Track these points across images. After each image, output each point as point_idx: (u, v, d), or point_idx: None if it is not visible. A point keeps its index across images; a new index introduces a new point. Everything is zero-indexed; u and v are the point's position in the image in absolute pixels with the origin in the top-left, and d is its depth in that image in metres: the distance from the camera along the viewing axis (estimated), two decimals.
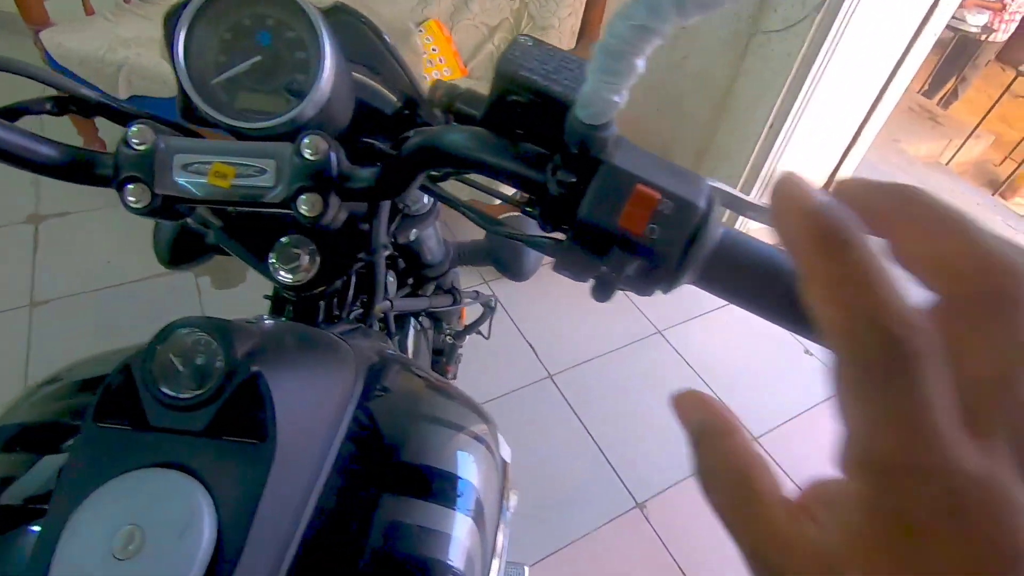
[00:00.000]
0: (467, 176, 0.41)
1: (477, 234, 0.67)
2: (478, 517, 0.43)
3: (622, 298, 1.94)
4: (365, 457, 0.42)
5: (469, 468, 0.45)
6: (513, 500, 0.49)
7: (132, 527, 0.31)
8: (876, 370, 0.13)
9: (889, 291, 0.13)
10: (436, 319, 0.99)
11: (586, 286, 0.33)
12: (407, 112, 0.48)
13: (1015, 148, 3.73)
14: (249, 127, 0.39)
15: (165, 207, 0.37)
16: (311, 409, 0.39)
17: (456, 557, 0.40)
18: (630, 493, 1.45)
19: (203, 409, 0.33)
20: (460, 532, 0.41)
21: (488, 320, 0.95)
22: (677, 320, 1.90)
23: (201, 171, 0.36)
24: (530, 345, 1.73)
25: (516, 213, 0.38)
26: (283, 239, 0.48)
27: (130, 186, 0.35)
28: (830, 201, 0.15)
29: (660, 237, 0.27)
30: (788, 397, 1.75)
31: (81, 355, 0.48)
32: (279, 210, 0.40)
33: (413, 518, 0.40)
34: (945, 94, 4.23)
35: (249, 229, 0.49)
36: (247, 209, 0.45)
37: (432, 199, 0.53)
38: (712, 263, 0.28)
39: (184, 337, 0.35)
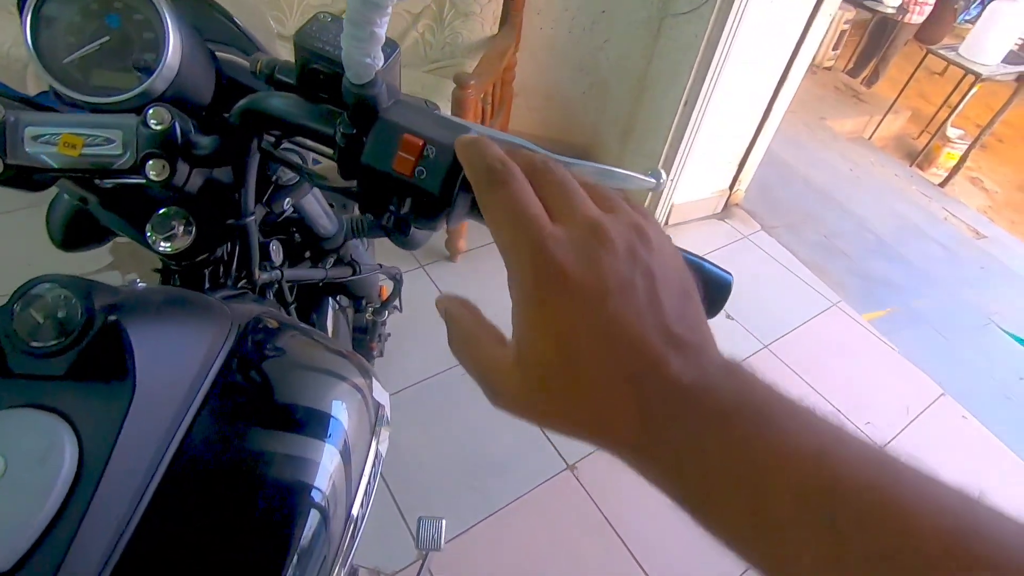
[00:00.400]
0: (303, 143, 0.45)
1: None
2: (343, 449, 0.48)
3: None
4: (233, 399, 0.46)
5: (336, 406, 0.50)
6: (384, 436, 0.55)
7: None
8: (493, 185, 0.25)
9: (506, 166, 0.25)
10: (356, 297, 1.03)
11: None
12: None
13: (930, 122, 3.96)
14: (101, 102, 0.43)
15: (20, 177, 0.41)
16: (174, 354, 0.43)
17: (320, 481, 0.45)
18: (560, 455, 1.53)
19: (63, 355, 0.38)
20: (324, 460, 0.46)
21: (398, 294, 0.99)
22: None
23: (52, 142, 0.40)
24: None
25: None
26: (159, 212, 0.51)
27: None
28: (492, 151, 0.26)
29: (427, 177, 0.32)
30: None
31: None
32: (130, 177, 0.44)
33: (277, 447, 0.45)
34: (868, 75, 4.45)
35: (126, 203, 0.52)
36: (110, 181, 0.49)
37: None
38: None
39: (45, 292, 0.39)
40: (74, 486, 0.35)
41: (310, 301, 0.91)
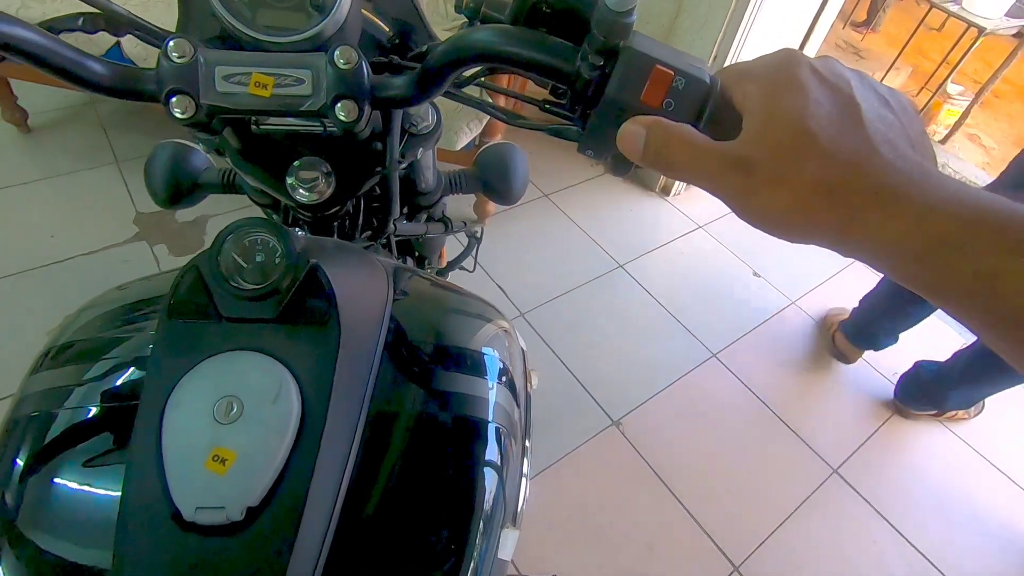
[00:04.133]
0: (488, 81, 0.44)
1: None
2: (511, 387, 0.49)
3: (582, 237, 2.02)
4: (407, 342, 0.46)
5: (495, 348, 0.50)
6: (535, 380, 0.55)
7: (230, 398, 0.35)
8: None
9: None
10: (421, 257, 1.02)
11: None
12: (398, 41, 0.51)
13: (929, 79, 3.97)
14: (276, 41, 0.41)
15: (209, 118, 0.39)
16: (361, 302, 0.43)
17: (500, 420, 0.46)
18: (606, 413, 1.56)
19: (271, 299, 0.37)
20: (499, 398, 0.47)
21: (474, 252, 0.99)
22: (636, 254, 1.99)
23: (242, 82, 0.38)
24: (500, 287, 1.78)
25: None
26: (298, 161, 0.50)
27: (175, 98, 0.37)
28: None
29: (675, 108, 0.32)
30: (740, 315, 1.89)
31: (38, 333, 0.50)
32: (313, 122, 0.43)
33: (459, 388, 0.45)
34: (868, 19, 4.45)
35: (265, 152, 0.51)
36: (276, 127, 0.48)
37: (436, 117, 0.56)
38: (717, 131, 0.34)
39: (242, 237, 0.38)
40: (301, 428, 0.35)
41: (401, 259, 0.90)
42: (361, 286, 0.44)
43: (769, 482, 1.51)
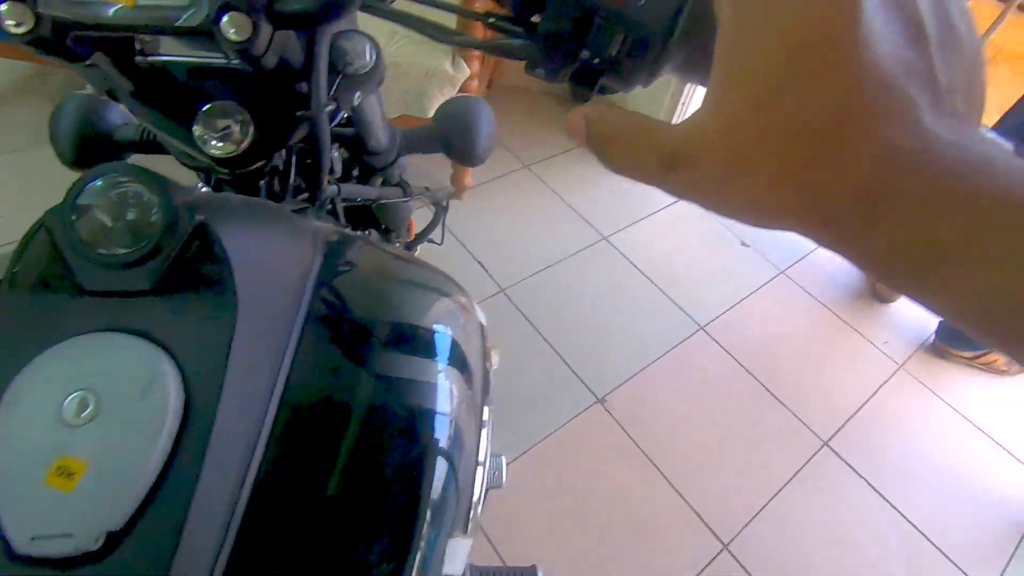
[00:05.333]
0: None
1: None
2: (463, 368, 0.42)
3: (565, 209, 1.94)
4: (337, 318, 0.39)
5: (448, 325, 0.43)
6: (495, 358, 0.48)
7: (83, 392, 0.27)
8: None
9: None
10: (386, 229, 0.94)
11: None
12: None
13: None
14: None
15: (56, 37, 0.31)
16: (271, 269, 0.35)
17: (446, 406, 0.38)
18: (590, 390, 1.50)
19: (145, 265, 0.29)
20: (448, 382, 0.39)
21: (441, 222, 0.91)
22: (621, 225, 1.92)
23: None
24: (479, 263, 1.70)
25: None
26: (208, 106, 0.42)
27: (5, 5, 0.29)
28: None
29: (646, 4, 0.24)
30: (728, 287, 1.83)
31: None
32: (213, 51, 0.34)
33: (396, 372, 0.38)
34: None
35: (169, 95, 0.42)
36: (170, 59, 0.39)
37: (375, 55, 0.47)
38: (696, 40, 0.26)
39: (108, 190, 0.30)
40: (183, 426, 0.28)
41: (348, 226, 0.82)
42: (273, 251, 0.36)
43: (759, 457, 1.47)
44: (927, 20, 0.17)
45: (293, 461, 0.32)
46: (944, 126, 0.16)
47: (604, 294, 1.73)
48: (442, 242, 0.94)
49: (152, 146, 0.61)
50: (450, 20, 0.93)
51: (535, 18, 0.28)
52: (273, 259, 0.36)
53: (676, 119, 1.65)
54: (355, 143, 0.63)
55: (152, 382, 0.28)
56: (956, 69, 0.17)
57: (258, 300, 0.32)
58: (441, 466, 0.37)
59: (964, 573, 1.35)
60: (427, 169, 1.84)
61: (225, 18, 0.31)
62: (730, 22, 0.18)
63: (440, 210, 0.87)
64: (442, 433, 0.37)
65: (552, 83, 0.29)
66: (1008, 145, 0.16)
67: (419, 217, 1.05)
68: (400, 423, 0.36)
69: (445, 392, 0.39)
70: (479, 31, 1.16)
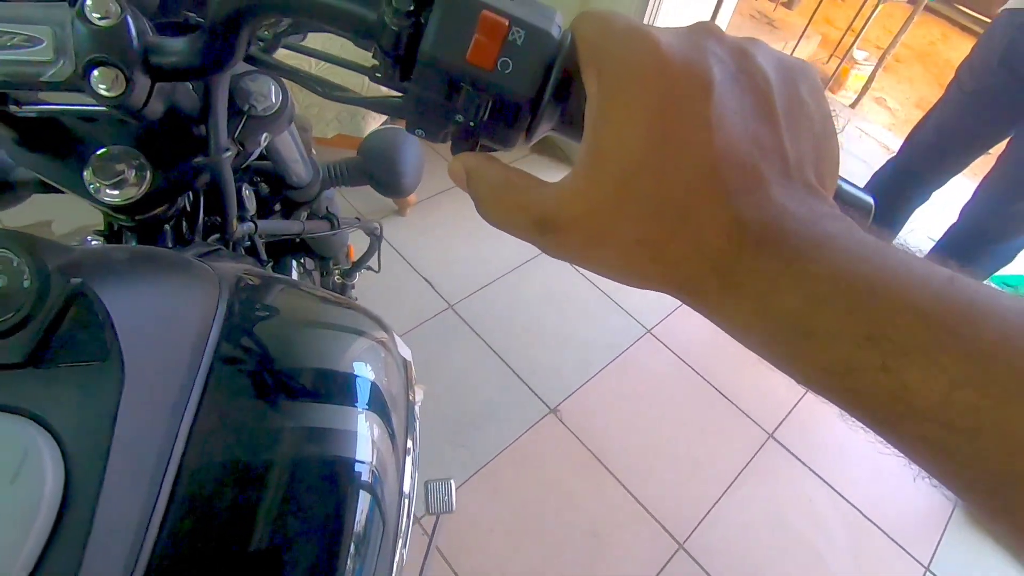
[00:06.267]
0: (305, 47, 0.36)
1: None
2: (382, 413, 0.41)
3: None
4: (241, 374, 0.38)
5: (365, 366, 0.42)
6: (419, 394, 0.48)
7: None
8: None
9: None
10: (322, 258, 0.93)
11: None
12: None
13: (837, 46, 4.12)
14: None
15: None
16: (163, 326, 0.34)
17: (364, 453, 0.38)
18: (542, 401, 1.51)
19: (18, 335, 0.28)
20: (365, 428, 0.39)
21: (376, 250, 0.90)
22: None
23: None
24: (426, 280, 1.69)
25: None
26: (99, 151, 0.40)
27: None
28: None
29: (513, 71, 0.24)
30: None
31: None
32: (68, 104, 0.33)
33: (308, 423, 0.37)
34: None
35: (54, 141, 0.41)
36: (48, 109, 0.38)
37: (283, 96, 0.47)
38: (570, 104, 0.26)
39: None
40: (62, 511, 0.26)
41: (271, 263, 0.80)
42: (166, 306, 0.35)
43: (709, 454, 1.51)
44: (776, 98, 0.19)
45: (190, 541, 0.31)
46: (793, 198, 0.17)
47: (552, 303, 1.75)
48: (379, 270, 0.94)
49: (52, 186, 0.58)
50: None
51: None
52: (167, 315, 0.34)
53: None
54: (274, 178, 0.62)
55: (24, 463, 0.26)
56: (805, 142, 0.19)
57: (149, 363, 0.31)
58: (361, 514, 0.36)
59: (903, 549, 1.43)
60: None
61: (95, 73, 0.30)
62: (596, 98, 0.19)
63: (374, 240, 0.86)
64: (361, 481, 0.37)
65: (434, 142, 0.29)
66: (849, 220, 0.18)
67: (359, 241, 1.03)
68: (313, 479, 0.35)
69: (364, 438, 0.39)
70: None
